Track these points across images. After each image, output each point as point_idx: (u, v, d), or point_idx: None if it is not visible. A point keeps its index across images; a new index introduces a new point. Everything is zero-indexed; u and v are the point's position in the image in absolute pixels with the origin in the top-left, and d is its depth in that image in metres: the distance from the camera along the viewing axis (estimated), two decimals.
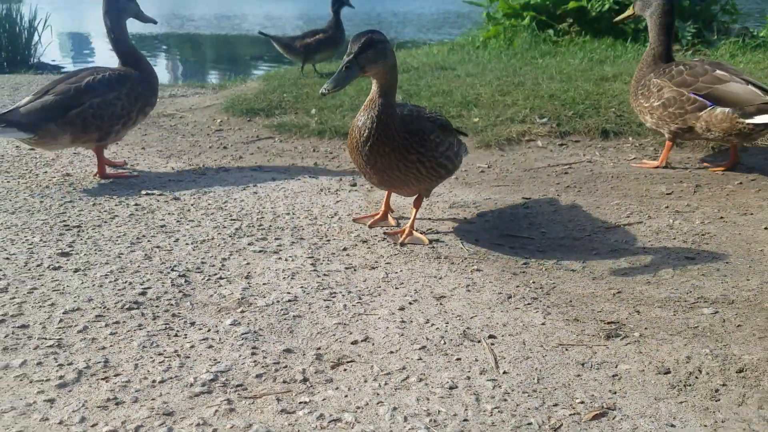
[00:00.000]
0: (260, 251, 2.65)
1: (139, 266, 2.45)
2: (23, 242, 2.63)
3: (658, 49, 3.72)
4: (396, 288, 2.32)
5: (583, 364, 1.88)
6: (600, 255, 2.65)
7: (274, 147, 4.45)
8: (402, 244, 2.72)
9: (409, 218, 2.82)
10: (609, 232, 2.90)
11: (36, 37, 15.90)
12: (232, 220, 3.02)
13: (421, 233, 2.81)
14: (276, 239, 2.79)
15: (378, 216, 2.99)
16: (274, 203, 3.28)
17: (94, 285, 2.28)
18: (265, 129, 4.83)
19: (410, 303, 2.21)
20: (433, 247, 2.70)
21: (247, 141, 4.59)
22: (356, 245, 2.75)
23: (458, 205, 3.25)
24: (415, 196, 2.82)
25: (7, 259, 2.46)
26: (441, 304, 2.22)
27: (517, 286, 2.37)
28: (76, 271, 2.38)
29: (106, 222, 2.92)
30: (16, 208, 3.06)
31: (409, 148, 2.48)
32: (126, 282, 2.31)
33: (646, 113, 3.70)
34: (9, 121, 3.21)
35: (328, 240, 2.81)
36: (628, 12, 3.98)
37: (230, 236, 2.81)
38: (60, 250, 2.56)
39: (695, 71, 3.49)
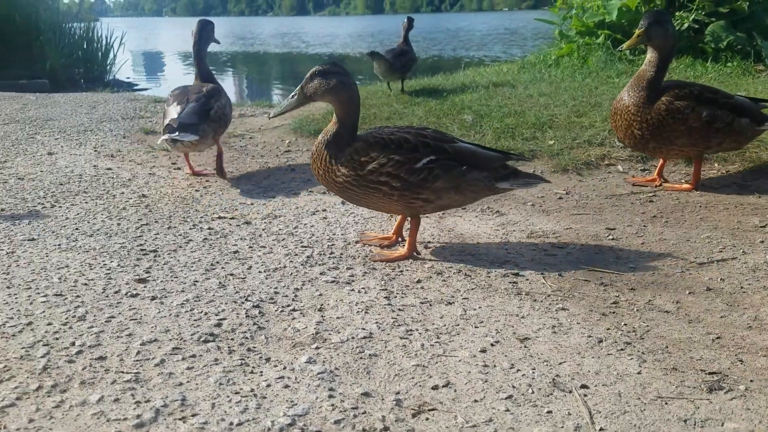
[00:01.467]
0: (332, 281, 2.59)
1: (213, 295, 2.43)
2: (101, 267, 2.66)
3: (651, 67, 3.59)
4: (475, 327, 2.21)
5: (685, 421, 1.71)
6: (694, 294, 2.46)
7: None
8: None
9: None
10: (702, 269, 2.70)
11: (111, 55, 16.64)
12: (303, 246, 2.97)
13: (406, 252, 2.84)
14: (348, 269, 2.72)
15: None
16: (344, 229, 3.22)
17: (170, 314, 2.26)
18: None
19: (492, 344, 2.09)
20: (514, 282, 2.57)
21: None
22: (431, 277, 2.65)
23: (537, 234, 3.11)
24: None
25: (86, 284, 2.48)
26: (525, 346, 2.09)
27: (608, 329, 2.21)
28: (153, 299, 2.38)
29: (181, 247, 2.93)
30: (94, 231, 3.11)
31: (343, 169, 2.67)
32: (201, 312, 2.28)
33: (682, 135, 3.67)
34: (183, 125, 3.66)
35: (401, 271, 2.72)
36: (633, 39, 3.59)
37: (302, 264, 2.76)
38: (137, 276, 2.57)
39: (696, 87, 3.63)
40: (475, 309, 2.34)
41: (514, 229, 3.19)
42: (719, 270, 2.67)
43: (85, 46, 16.12)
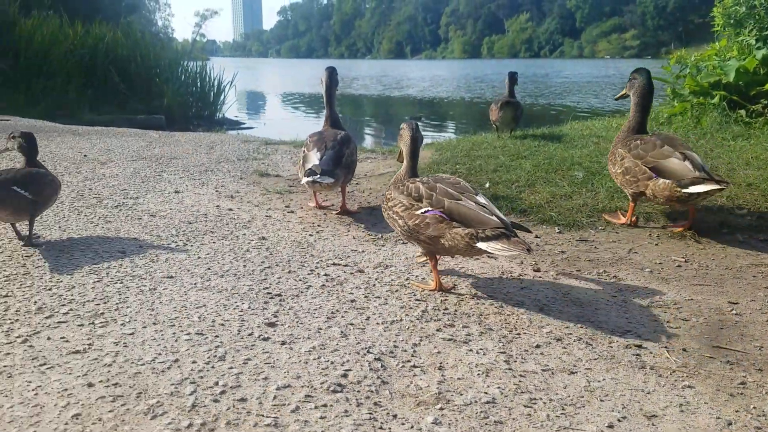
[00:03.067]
0: (449, 339, 2.64)
1: (337, 344, 2.54)
2: (234, 308, 2.84)
3: (632, 122, 4.29)
4: (601, 400, 2.19)
5: None
6: None
7: None
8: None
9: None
10: None
11: (222, 95, 17.69)
12: (416, 300, 3.05)
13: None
14: (464, 327, 2.77)
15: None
16: (455, 283, 3.28)
17: (300, 361, 2.39)
18: None
19: (619, 420, 2.07)
20: (637, 354, 2.53)
21: None
22: (550, 343, 2.65)
23: (657, 304, 3.04)
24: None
25: (222, 325, 2.66)
26: (653, 424, 2.05)
27: (737, 411, 2.14)
28: (282, 343, 2.52)
29: (302, 292, 3.09)
30: (224, 271, 3.33)
31: None
32: (328, 361, 2.40)
33: (614, 177, 4.27)
34: (323, 171, 4.19)
35: (518, 333, 2.74)
36: (622, 92, 4.51)
37: (417, 319, 2.83)
38: (267, 320, 2.73)
39: (647, 146, 4.01)
40: (599, 381, 2.32)
41: (633, 296, 3.14)
42: None
43: (198, 85, 17.26)
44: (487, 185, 4.99)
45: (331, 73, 4.92)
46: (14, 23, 14.43)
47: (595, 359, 2.49)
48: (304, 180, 4.22)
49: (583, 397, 2.21)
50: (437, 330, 2.73)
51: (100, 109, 15.21)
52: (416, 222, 3.08)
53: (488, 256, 3.57)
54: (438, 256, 3.20)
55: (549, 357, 2.52)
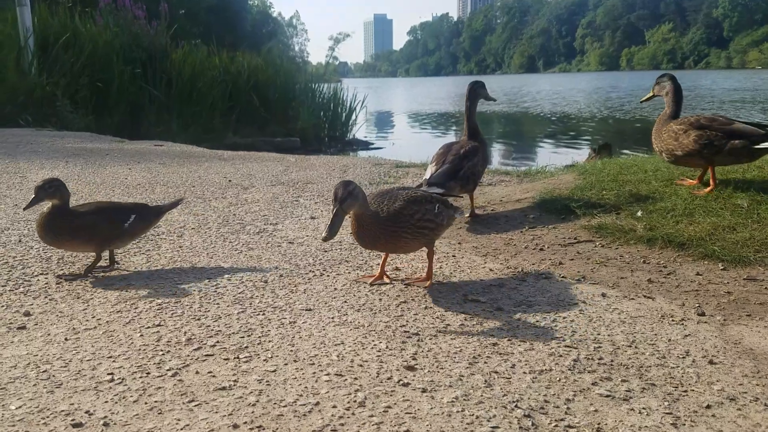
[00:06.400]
0: (607, 396, 2.38)
1: (481, 395, 2.37)
2: (372, 347, 2.77)
3: (671, 112, 5.19)
4: None
5: None
6: None
7: (595, 253, 4.17)
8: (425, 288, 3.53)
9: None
10: None
11: (353, 116, 18.19)
12: (566, 346, 2.81)
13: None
14: (623, 381, 2.49)
15: (376, 276, 3.67)
16: (609, 329, 2.99)
17: (442, 413, 2.24)
18: (583, 230, 4.59)
19: None
20: None
21: (565, 243, 4.39)
22: (722, 403, 2.31)
23: None
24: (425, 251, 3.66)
25: (361, 366, 2.59)
26: None
27: None
28: (423, 391, 2.39)
29: (440, 332, 2.95)
30: (360, 305, 3.28)
31: (393, 230, 3.30)
32: (473, 415, 2.23)
33: (676, 149, 4.99)
34: (431, 183, 4.61)
35: (685, 391, 2.42)
36: (649, 94, 5.53)
37: (569, 369, 2.59)
38: (405, 363, 2.62)
39: (707, 118, 4.96)
40: None
41: None
42: None
43: (330, 107, 17.88)
44: (639, 213, 4.59)
45: (472, 87, 5.26)
46: (167, 54, 15.79)
47: None
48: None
49: None
50: (592, 383, 2.47)
51: (242, 132, 16.21)
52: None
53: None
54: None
55: (722, 420, 2.19)
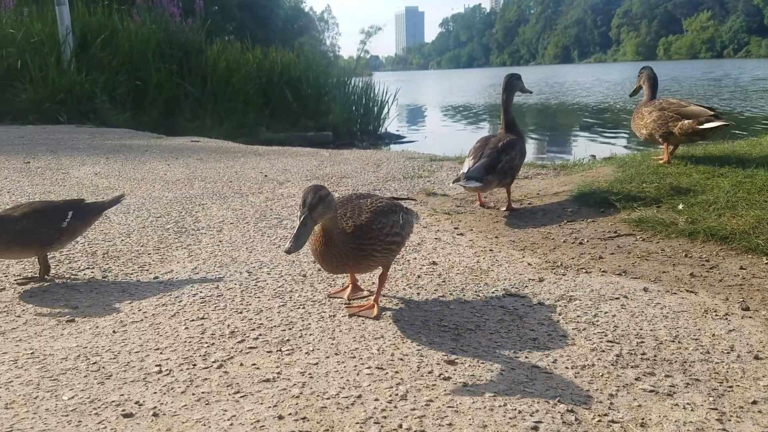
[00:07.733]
0: (651, 391, 2.36)
1: (523, 389, 2.37)
2: (412, 341, 2.78)
3: (648, 96, 5.97)
4: None
5: None
6: None
7: (636, 247, 4.11)
8: (350, 315, 3.06)
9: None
10: None
11: (385, 110, 18.17)
12: (608, 341, 2.78)
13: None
14: (666, 376, 2.46)
15: (348, 288, 3.34)
16: (651, 324, 2.95)
17: (484, 407, 2.25)
18: (623, 224, 4.53)
19: None
20: None
21: (605, 237, 4.34)
22: None
23: None
24: (379, 272, 3.17)
25: (401, 360, 2.61)
26: None
27: None
28: (464, 385, 2.40)
29: (479, 327, 2.95)
30: (399, 299, 3.30)
31: (363, 248, 2.82)
32: (515, 409, 2.24)
33: (643, 127, 5.86)
34: (469, 177, 4.70)
35: (730, 386, 2.38)
36: (635, 86, 6.28)
37: (611, 364, 2.57)
38: (445, 357, 2.63)
39: (668, 102, 5.70)
40: None
41: None
42: None
43: (363, 101, 17.90)
44: (680, 206, 4.51)
45: (509, 80, 5.27)
46: (202, 50, 16.00)
47: None
48: (452, 182, 4.95)
49: None
50: (636, 379, 2.45)
51: (275, 127, 16.35)
52: None
53: None
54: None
55: None
